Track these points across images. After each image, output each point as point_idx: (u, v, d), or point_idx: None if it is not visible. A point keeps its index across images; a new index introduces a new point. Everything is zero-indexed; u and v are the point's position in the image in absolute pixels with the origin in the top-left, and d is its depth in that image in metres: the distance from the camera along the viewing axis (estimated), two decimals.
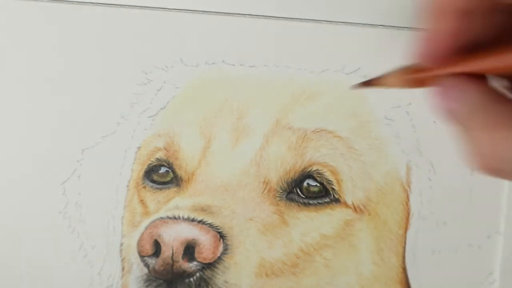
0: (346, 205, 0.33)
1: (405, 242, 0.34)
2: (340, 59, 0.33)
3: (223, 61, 0.34)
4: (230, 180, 0.33)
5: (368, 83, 0.27)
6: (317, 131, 0.33)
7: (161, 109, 0.34)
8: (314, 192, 0.33)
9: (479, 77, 0.21)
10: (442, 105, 0.22)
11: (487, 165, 0.21)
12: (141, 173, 0.34)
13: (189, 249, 0.32)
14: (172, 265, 0.32)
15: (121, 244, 0.34)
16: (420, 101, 0.31)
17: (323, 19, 0.33)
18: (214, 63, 0.34)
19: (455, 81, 0.22)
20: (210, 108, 0.34)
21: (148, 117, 0.34)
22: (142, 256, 0.33)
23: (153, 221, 0.33)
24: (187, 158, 0.33)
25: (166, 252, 0.32)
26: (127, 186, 0.34)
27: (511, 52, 0.20)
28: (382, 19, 0.33)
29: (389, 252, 0.33)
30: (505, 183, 0.33)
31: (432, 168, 0.34)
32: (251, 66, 0.34)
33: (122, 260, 0.34)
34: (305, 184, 0.33)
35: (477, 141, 0.21)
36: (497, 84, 0.22)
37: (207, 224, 0.32)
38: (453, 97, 0.22)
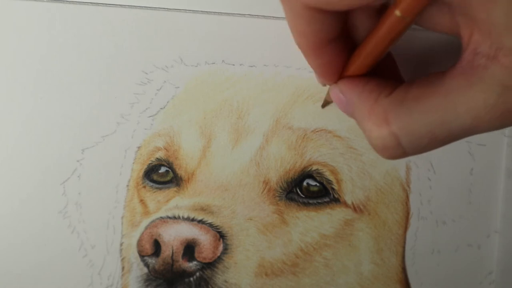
0: (345, 204, 0.33)
1: (404, 242, 0.34)
2: None
3: (223, 61, 0.34)
4: (230, 179, 0.33)
5: (326, 102, 0.32)
6: (317, 131, 0.33)
7: (161, 108, 0.34)
8: (313, 191, 0.33)
9: (358, 78, 0.26)
10: (339, 107, 0.27)
11: (376, 150, 0.24)
12: (141, 173, 0.34)
13: (189, 249, 0.32)
14: (172, 265, 0.32)
15: (121, 244, 0.34)
16: None
17: None
18: (214, 63, 0.34)
19: (336, 88, 0.27)
20: (210, 108, 0.34)
21: (148, 116, 0.34)
22: (142, 256, 0.33)
23: (153, 221, 0.33)
24: (187, 158, 0.33)
25: (166, 252, 0.32)
26: (127, 185, 0.34)
27: (358, 56, 0.25)
28: None
29: (389, 252, 0.33)
30: (502, 182, 0.33)
31: (431, 168, 0.34)
32: (251, 66, 0.34)
33: (122, 260, 0.34)
34: (304, 183, 0.33)
35: (364, 131, 0.25)
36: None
37: (207, 223, 0.32)
38: (340, 99, 0.27)
